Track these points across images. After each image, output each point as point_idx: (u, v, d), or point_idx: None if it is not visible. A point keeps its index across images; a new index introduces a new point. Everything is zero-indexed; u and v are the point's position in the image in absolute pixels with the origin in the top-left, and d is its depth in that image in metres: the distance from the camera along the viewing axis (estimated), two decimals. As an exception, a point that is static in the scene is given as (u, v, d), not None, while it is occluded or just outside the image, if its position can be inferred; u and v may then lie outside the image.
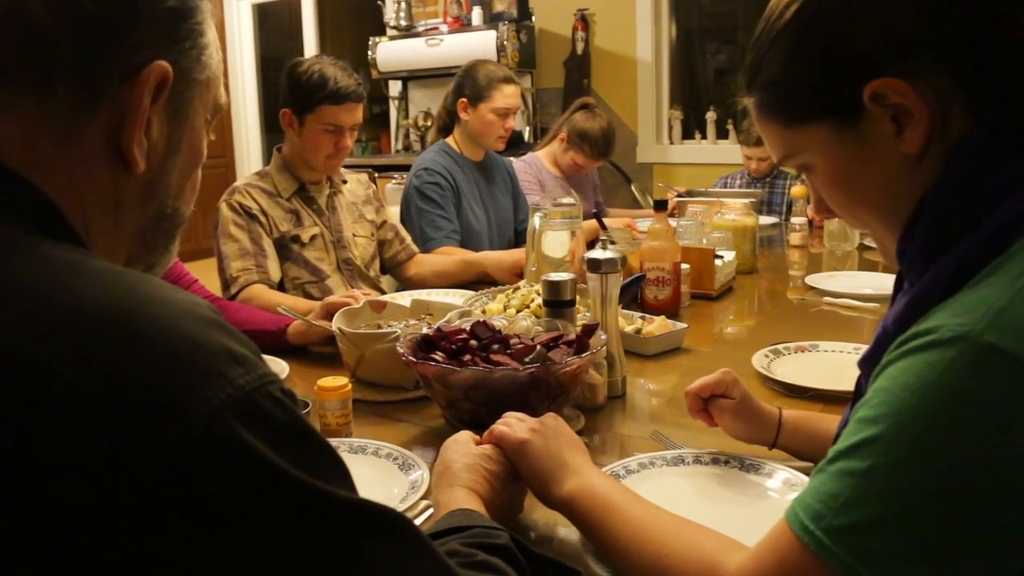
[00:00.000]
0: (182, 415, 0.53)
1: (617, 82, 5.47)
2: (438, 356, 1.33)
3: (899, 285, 0.87)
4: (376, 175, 5.37)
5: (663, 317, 1.90)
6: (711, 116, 5.40)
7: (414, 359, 1.33)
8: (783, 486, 1.12)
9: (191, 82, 0.74)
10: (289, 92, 2.32)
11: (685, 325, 1.90)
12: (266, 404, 0.57)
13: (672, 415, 1.50)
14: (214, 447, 0.54)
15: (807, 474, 1.14)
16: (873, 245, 2.99)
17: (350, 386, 1.38)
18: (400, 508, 1.09)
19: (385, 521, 0.63)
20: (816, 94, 0.81)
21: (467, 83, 2.96)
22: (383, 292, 2.48)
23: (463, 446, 1.05)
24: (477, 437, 1.09)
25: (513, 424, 1.06)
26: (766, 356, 1.69)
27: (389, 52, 5.63)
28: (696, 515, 1.08)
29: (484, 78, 2.94)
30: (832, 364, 1.68)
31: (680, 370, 1.77)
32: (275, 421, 0.58)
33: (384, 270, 2.63)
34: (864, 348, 1.68)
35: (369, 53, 5.67)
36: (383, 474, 1.23)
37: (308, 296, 2.29)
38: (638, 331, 1.85)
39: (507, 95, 2.95)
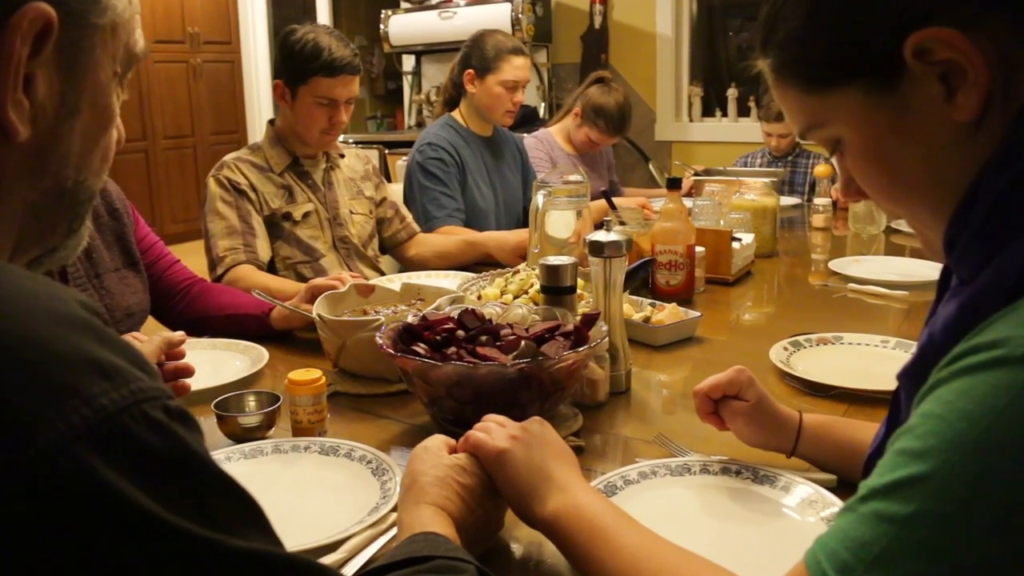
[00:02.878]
0: (19, 444, 0.41)
1: (636, 57, 5.31)
2: (420, 348, 1.20)
3: (945, 282, 0.73)
4: (387, 151, 5.24)
5: (675, 304, 1.77)
6: (732, 93, 5.22)
7: (393, 351, 1.20)
8: (802, 504, 0.98)
9: (88, 28, 0.61)
10: (281, 62, 2.19)
11: (698, 313, 1.76)
12: (137, 429, 0.45)
13: (680, 414, 1.38)
14: (58, 485, 0.42)
15: (831, 489, 1.00)
16: (902, 228, 2.84)
17: (324, 380, 1.25)
18: (369, 521, 0.98)
19: None
20: (846, 51, 0.67)
21: (474, 54, 2.82)
22: (382, 273, 2.35)
23: (434, 455, 0.91)
24: (453, 442, 0.96)
25: (492, 430, 0.93)
26: (785, 349, 1.56)
27: (401, 25, 5.48)
28: (701, 535, 0.95)
29: (492, 48, 2.80)
30: (857, 359, 1.54)
31: (692, 362, 1.64)
32: (148, 451, 0.45)
33: (383, 250, 2.51)
34: (892, 341, 1.57)
35: (381, 27, 5.53)
36: (354, 479, 1.11)
37: (301, 277, 2.16)
38: (647, 319, 1.72)
39: (516, 67, 2.80)
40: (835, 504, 0.95)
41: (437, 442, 0.94)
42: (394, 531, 0.95)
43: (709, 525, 0.99)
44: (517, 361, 1.14)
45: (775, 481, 1.04)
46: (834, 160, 0.76)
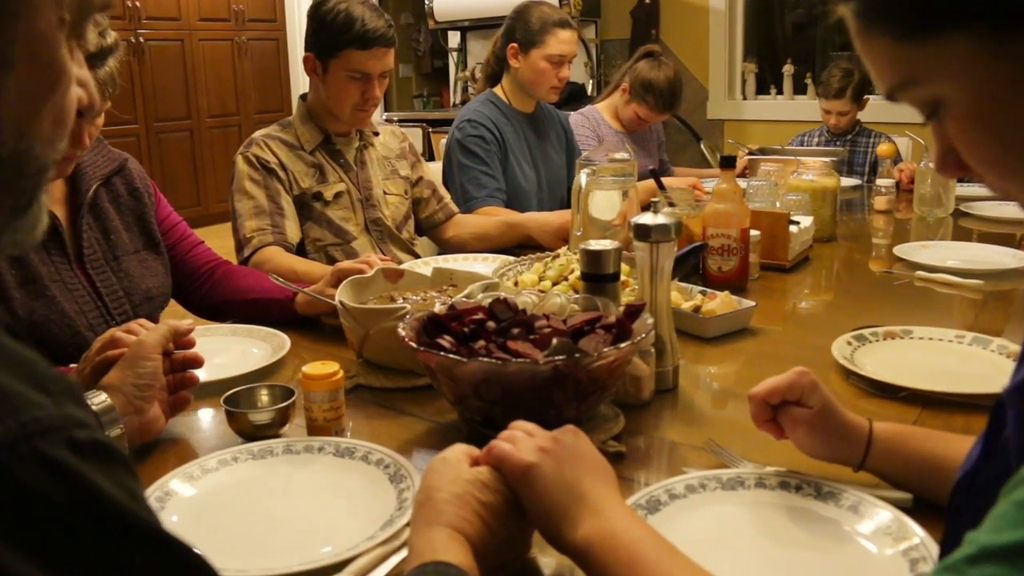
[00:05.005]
0: None
1: (687, 33, 5.13)
2: (445, 341, 1.09)
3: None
4: (431, 130, 5.15)
5: (727, 292, 1.63)
6: (788, 70, 5.03)
7: (416, 344, 1.09)
8: (877, 533, 0.85)
9: None
10: (312, 34, 2.08)
11: (752, 302, 1.63)
12: (23, 473, 0.34)
13: (732, 415, 1.25)
14: None
15: (905, 510, 0.87)
16: (972, 211, 2.66)
17: (341, 375, 1.15)
18: (380, 536, 0.87)
19: None
20: None
21: (519, 26, 2.69)
22: (417, 256, 2.25)
23: (452, 469, 0.80)
24: (477, 452, 0.84)
25: (519, 440, 0.82)
26: (849, 344, 1.42)
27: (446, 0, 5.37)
28: (757, 565, 0.83)
29: (537, 21, 2.67)
30: (930, 355, 1.40)
31: (745, 356, 1.51)
32: (39, 502, 0.34)
33: (420, 231, 2.40)
34: (968, 336, 1.43)
35: (426, 2, 5.42)
36: (368, 486, 1.00)
37: (331, 260, 2.07)
38: (697, 309, 1.59)
39: (562, 41, 2.67)
40: (916, 534, 0.82)
41: (457, 453, 0.83)
42: (397, 558, 0.85)
43: (766, 552, 0.86)
44: (551, 358, 1.02)
45: (840, 499, 0.91)
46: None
